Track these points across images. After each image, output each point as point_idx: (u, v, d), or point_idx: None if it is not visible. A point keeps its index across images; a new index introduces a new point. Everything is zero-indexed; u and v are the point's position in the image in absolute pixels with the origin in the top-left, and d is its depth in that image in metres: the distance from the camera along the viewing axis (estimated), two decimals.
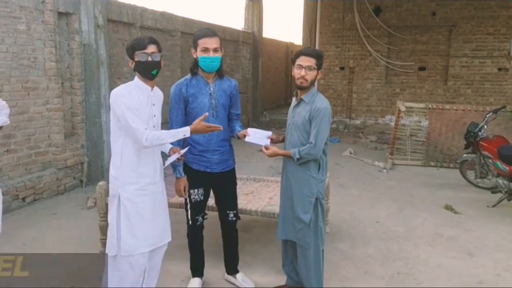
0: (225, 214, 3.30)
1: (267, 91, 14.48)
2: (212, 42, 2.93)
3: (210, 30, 3.00)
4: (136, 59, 2.67)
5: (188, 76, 3.10)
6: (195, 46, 2.98)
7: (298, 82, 2.96)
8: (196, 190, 3.16)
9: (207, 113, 2.80)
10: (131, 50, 2.69)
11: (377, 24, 11.32)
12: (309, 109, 2.93)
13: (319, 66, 2.95)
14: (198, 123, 2.72)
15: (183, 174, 3.09)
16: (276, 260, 3.72)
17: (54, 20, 5.51)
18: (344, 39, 11.81)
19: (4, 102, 3.42)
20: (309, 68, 2.91)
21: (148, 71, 2.70)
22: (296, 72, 2.95)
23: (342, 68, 12.01)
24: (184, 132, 2.71)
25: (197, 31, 3.04)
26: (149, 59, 2.66)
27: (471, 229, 4.74)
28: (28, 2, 5.21)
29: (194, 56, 3.01)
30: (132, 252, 2.74)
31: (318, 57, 2.94)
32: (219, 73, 3.10)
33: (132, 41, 2.73)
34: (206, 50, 2.93)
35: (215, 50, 2.95)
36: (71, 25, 5.86)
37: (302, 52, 2.98)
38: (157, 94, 2.89)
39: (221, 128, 2.80)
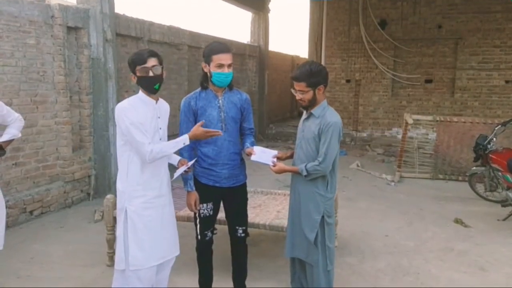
0: (234, 229, 3.23)
1: (273, 104, 14.50)
2: (227, 58, 2.88)
3: (224, 46, 2.94)
4: (138, 74, 2.67)
5: (198, 89, 3.06)
6: (208, 61, 2.91)
7: (299, 103, 2.96)
8: (205, 205, 3.09)
9: (203, 121, 2.80)
10: (133, 65, 2.68)
11: (382, 37, 11.35)
12: (319, 123, 2.85)
13: (313, 85, 2.83)
14: (196, 129, 2.72)
15: (194, 188, 3.04)
16: (284, 275, 3.68)
17: (63, 34, 5.57)
18: (350, 52, 11.84)
19: (18, 114, 3.41)
20: (300, 92, 2.88)
21: (150, 86, 2.70)
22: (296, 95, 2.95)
23: (348, 81, 12.02)
24: (184, 140, 2.72)
25: (210, 45, 2.97)
26: (150, 73, 2.66)
27: (482, 243, 4.67)
28: (37, 16, 5.28)
29: (206, 70, 2.96)
30: (141, 266, 2.72)
31: (308, 77, 2.81)
32: (229, 85, 3.04)
33: (133, 56, 2.71)
34: (221, 66, 2.88)
35: (229, 65, 2.91)
36: (80, 39, 5.93)
37: (291, 77, 2.93)
38: (163, 107, 2.88)
39: (221, 133, 2.79)
